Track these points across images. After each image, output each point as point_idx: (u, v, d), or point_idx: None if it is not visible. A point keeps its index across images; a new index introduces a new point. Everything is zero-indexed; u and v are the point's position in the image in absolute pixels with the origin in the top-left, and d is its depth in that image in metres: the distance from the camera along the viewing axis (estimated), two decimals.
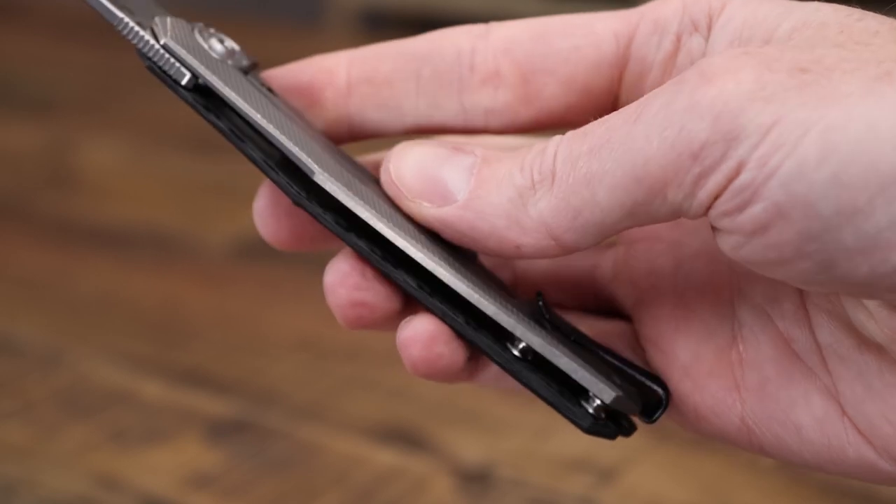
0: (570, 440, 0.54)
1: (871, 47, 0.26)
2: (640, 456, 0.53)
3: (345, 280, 0.30)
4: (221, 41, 0.32)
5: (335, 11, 1.94)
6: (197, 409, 0.58)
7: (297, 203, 0.30)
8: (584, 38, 0.31)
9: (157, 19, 0.31)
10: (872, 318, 0.27)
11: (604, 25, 0.31)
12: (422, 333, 0.29)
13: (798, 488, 0.51)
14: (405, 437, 0.55)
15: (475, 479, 0.52)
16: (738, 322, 0.30)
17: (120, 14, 0.30)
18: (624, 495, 0.51)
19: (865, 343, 0.28)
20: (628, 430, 0.31)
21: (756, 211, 0.25)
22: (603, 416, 0.30)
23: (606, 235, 0.28)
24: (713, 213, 0.26)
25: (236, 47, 0.32)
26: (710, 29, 0.29)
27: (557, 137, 0.28)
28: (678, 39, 0.30)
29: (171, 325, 0.67)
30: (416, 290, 0.29)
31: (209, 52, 0.31)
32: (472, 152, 0.29)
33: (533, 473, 0.53)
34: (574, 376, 0.30)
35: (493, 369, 0.32)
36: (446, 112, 0.32)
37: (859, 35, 0.26)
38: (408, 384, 0.60)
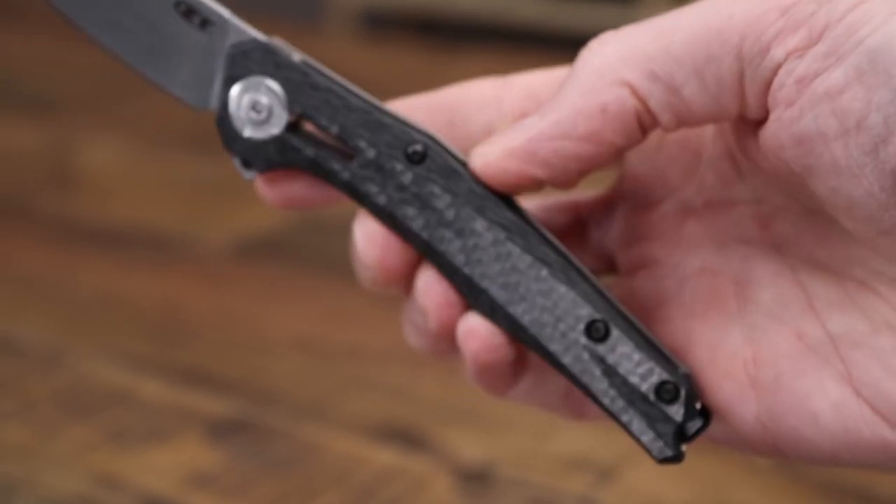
0: (571, 440, 0.55)
1: None
2: (639, 455, 0.53)
3: (440, 278, 0.32)
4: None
5: (335, 11, 1.94)
6: (197, 408, 0.58)
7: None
8: None
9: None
10: (885, 300, 0.29)
11: None
12: (479, 327, 0.31)
13: (797, 487, 0.51)
14: (405, 437, 0.55)
15: (475, 478, 0.52)
16: (749, 326, 0.31)
17: None
18: (624, 495, 0.51)
19: (878, 327, 0.29)
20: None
21: (836, 75, 0.26)
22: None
23: (674, 99, 0.28)
24: (783, 77, 0.26)
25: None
26: None
27: None
28: None
29: (172, 325, 0.68)
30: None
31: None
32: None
33: (533, 473, 0.53)
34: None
35: (528, 381, 0.33)
36: None
37: None
38: (408, 384, 0.60)
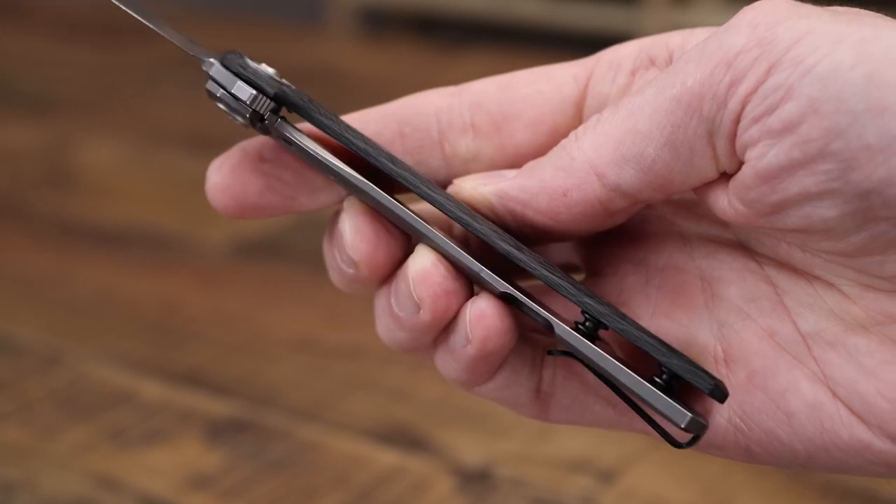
0: (571, 441, 0.54)
1: None
2: (640, 456, 0.53)
3: (436, 267, 0.31)
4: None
5: (335, 11, 1.94)
6: (197, 409, 0.58)
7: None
8: (546, 83, 0.33)
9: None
10: (854, 303, 0.29)
11: (563, 71, 0.33)
12: (488, 308, 0.31)
13: (798, 488, 0.51)
14: (405, 438, 0.55)
15: (476, 479, 0.52)
16: (717, 323, 0.31)
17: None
18: (624, 495, 0.51)
19: (851, 327, 0.29)
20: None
21: (789, 108, 0.26)
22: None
23: (648, 176, 0.29)
24: (743, 122, 0.27)
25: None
26: (671, 62, 0.31)
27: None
28: (633, 74, 0.32)
29: (171, 326, 0.67)
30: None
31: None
32: None
33: (533, 474, 0.53)
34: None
35: (503, 377, 0.32)
36: (430, 166, 0.34)
37: None
38: (408, 384, 0.60)
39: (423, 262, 0.31)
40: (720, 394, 0.29)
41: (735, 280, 0.31)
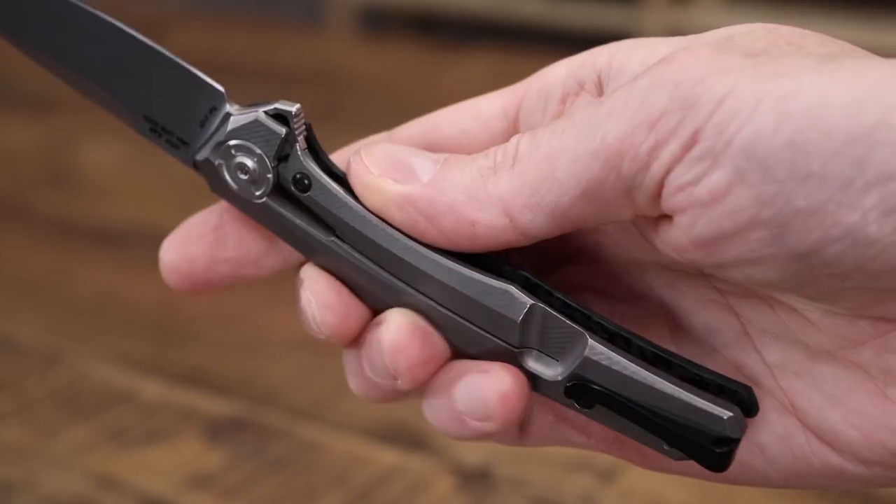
0: None
1: (804, 48, 0.27)
2: None
3: (413, 337, 0.30)
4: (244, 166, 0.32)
5: (335, 11, 1.94)
6: (197, 409, 0.58)
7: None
8: (472, 120, 0.32)
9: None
10: (817, 328, 0.28)
11: (490, 104, 0.32)
12: (511, 387, 0.30)
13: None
14: (405, 437, 0.55)
15: (476, 478, 0.52)
16: (686, 355, 0.30)
17: None
18: (624, 495, 0.51)
19: (816, 354, 0.29)
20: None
21: (716, 178, 0.25)
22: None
23: (560, 221, 0.28)
24: (667, 188, 0.26)
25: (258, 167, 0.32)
26: (600, 84, 0.30)
27: (525, 133, 0.29)
28: (563, 101, 0.31)
29: (171, 325, 0.67)
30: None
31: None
32: (440, 154, 0.30)
33: (533, 473, 0.53)
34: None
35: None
36: None
37: (786, 42, 0.27)
38: None
39: (395, 330, 0.30)
40: (754, 403, 0.29)
41: (697, 311, 0.30)
